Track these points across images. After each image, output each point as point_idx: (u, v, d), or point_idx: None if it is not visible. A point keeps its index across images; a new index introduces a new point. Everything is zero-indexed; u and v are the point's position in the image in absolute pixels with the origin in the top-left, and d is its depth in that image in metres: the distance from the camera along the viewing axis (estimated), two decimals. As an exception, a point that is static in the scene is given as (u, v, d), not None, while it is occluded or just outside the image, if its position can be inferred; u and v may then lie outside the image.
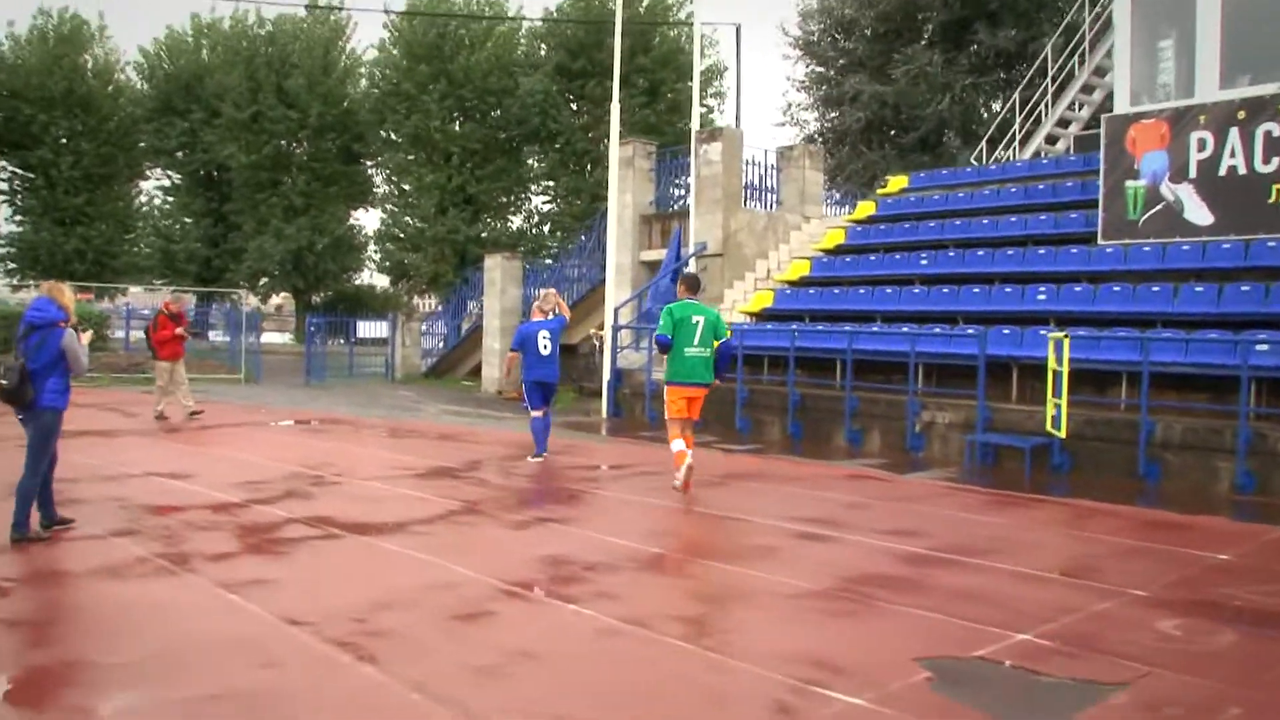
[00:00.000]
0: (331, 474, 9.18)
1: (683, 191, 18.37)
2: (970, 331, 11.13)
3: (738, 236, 16.42)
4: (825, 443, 11.90)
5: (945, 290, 12.80)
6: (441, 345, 24.61)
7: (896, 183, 17.48)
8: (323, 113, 36.45)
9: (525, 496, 8.36)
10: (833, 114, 28.18)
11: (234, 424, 13.68)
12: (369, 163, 39.09)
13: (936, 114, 23.59)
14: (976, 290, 12.42)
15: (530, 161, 35.39)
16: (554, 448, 10.77)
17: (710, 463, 10.04)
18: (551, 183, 33.68)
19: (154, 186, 41.30)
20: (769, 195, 17.74)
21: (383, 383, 24.16)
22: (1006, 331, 11.09)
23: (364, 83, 36.66)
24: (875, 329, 12.55)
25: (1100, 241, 12.16)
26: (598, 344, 14.91)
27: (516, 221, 36.21)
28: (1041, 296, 11.78)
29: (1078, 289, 11.59)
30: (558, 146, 32.26)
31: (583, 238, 20.75)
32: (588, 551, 6.19)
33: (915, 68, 24.56)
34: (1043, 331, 10.84)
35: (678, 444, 8.27)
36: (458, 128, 33.12)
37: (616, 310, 15.35)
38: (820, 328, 13.16)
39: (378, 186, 39.58)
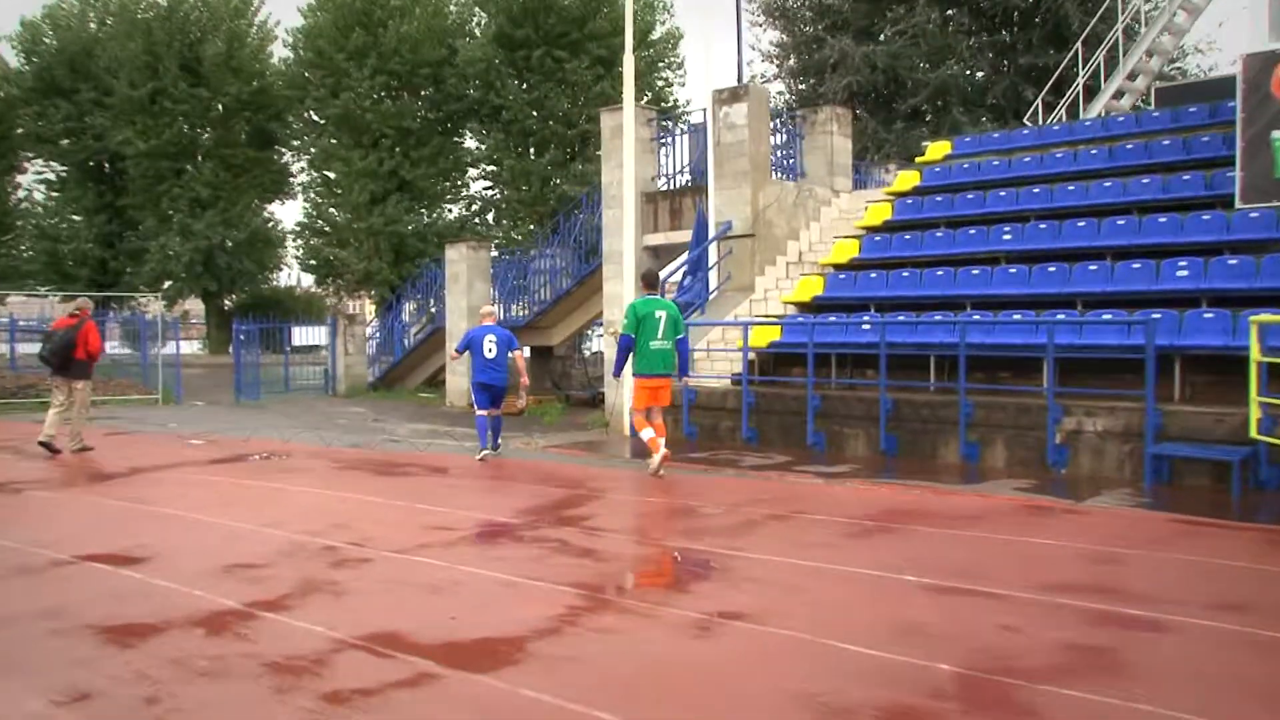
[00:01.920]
0: (347, 542, 6.80)
1: (687, 165, 16.28)
2: (1133, 318, 9.28)
3: (767, 214, 14.67)
4: (930, 459, 10.20)
5: (1052, 269, 11.06)
6: (375, 349, 22.90)
7: (938, 149, 16.07)
8: (235, 91, 33.10)
9: (652, 569, 6.15)
10: (805, 85, 26.43)
11: (174, 464, 11.07)
12: (286, 150, 35.93)
13: (939, 79, 21.81)
14: (1094, 268, 10.64)
15: (470, 143, 32.92)
16: (599, 481, 9.53)
17: (812, 498, 8.27)
18: (494, 166, 31.16)
19: (34, 180, 37.38)
20: (791, 166, 15.83)
21: (325, 398, 21.99)
22: (1158, 315, 9.26)
23: (281, 55, 33.52)
24: (977, 317, 10.70)
25: (1239, 205, 10.47)
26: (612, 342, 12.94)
27: (455, 210, 33.63)
28: (1183, 272, 10.02)
29: (1232, 262, 9.83)
30: (501, 124, 29.78)
31: (561, 222, 18.59)
32: (834, 676, 4.05)
33: (910, 27, 22.91)
34: (1208, 314, 9.05)
35: (648, 432, 9.21)
36: (390, 105, 30.34)
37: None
38: (902, 318, 11.42)
39: (295, 175, 36.45)
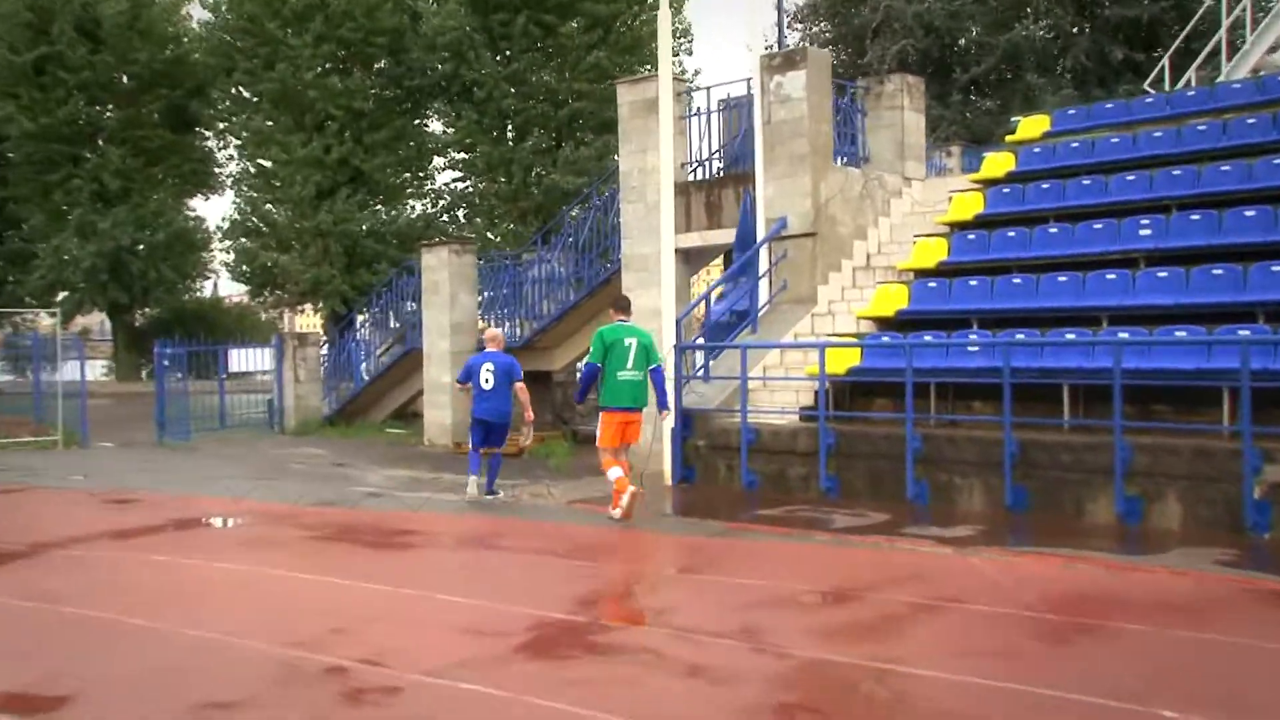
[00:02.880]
0: (358, 658, 5.86)
1: (718, 149, 15.57)
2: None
3: (829, 208, 14.02)
4: (1073, 518, 9.45)
5: (1218, 272, 10.36)
6: (327, 375, 21.98)
7: (1033, 125, 15.48)
8: (145, 59, 32.03)
9: (801, 698, 5.24)
10: (841, 54, 25.80)
11: (91, 534, 10.06)
12: (209, 133, 35.03)
13: (1009, 41, 21.18)
14: (1277, 269, 9.88)
15: (436, 126, 32.12)
16: (654, 552, 9.16)
17: (949, 576, 7.48)
18: (466, 154, 30.33)
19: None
20: (849, 149, 15.25)
21: (270, 436, 21.07)
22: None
23: (201, 17, 32.56)
24: (1125, 335, 9.94)
25: None
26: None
27: (419, 206, 32.85)
28: None
29: None
30: (474, 103, 28.94)
31: (564, 221, 17.89)
32: None
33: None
34: None
35: (615, 471, 9.74)
36: (338, 80, 29.43)
37: (679, 321, 12.69)
38: (1022, 336, 10.80)
39: (222, 164, 35.49)
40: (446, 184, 32.79)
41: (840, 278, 13.95)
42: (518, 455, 15.76)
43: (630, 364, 9.95)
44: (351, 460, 16.55)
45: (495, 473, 11.24)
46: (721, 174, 15.60)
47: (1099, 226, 12.03)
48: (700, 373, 12.79)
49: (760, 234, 13.95)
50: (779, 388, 12.55)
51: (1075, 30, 22.60)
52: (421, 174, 33.07)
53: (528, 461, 15.53)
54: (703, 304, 13.55)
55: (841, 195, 14.19)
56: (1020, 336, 10.73)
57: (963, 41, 23.72)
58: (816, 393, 11.70)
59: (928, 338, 11.52)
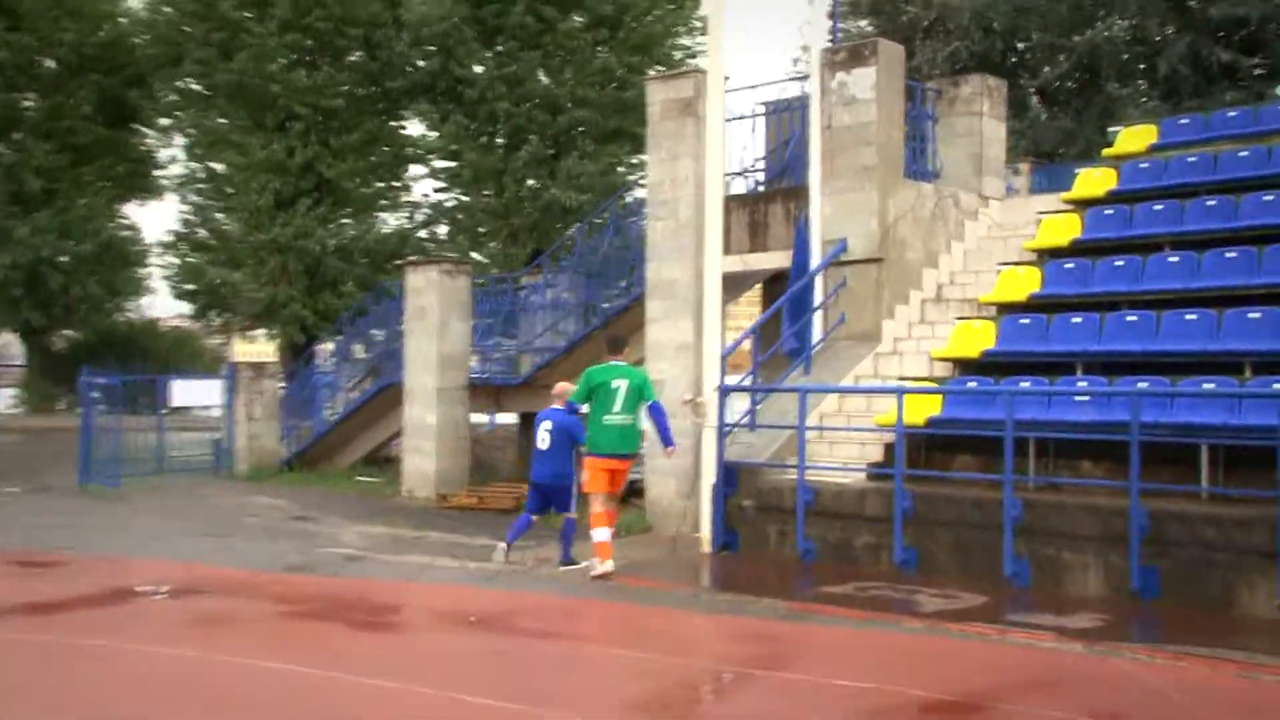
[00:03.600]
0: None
1: (761, 157, 15.29)
2: None
3: (898, 230, 13.74)
4: (1223, 608, 8.90)
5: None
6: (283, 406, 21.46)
7: (1136, 137, 15.17)
8: (73, 40, 31.41)
9: None
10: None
11: None
12: (151, 130, 34.52)
13: (1087, 42, 20.87)
14: None
15: (416, 129, 31.70)
16: (717, 636, 8.78)
17: (1095, 685, 6.95)
18: (451, 162, 29.88)
19: None
20: (917, 163, 14.96)
21: (217, 481, 20.43)
22: None
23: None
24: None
25: None
26: (697, 418, 12.12)
27: (393, 220, 32.58)
28: None
29: None
30: (463, 105, 28.52)
31: (579, 241, 17.49)
32: None
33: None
34: None
35: (602, 533, 10.27)
36: (306, 74, 28.96)
37: (724, 357, 12.28)
38: (1145, 384, 10.30)
39: (164, 165, 34.92)
40: (426, 196, 32.24)
41: (907, 311, 13.68)
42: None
43: (618, 407, 10.32)
44: (318, 513, 16.05)
45: (570, 539, 11.09)
46: (765, 188, 15.34)
47: (1232, 255, 11.64)
48: (746, 419, 12.37)
49: (815, 258, 13.64)
50: (839, 439, 12.23)
51: (1166, 31, 22.19)
52: (397, 184, 32.51)
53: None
54: (749, 339, 13.03)
55: (912, 215, 13.87)
56: (1143, 385, 10.26)
57: (1023, 44, 23.36)
58: (888, 446, 11.44)
59: (1025, 384, 11.05)
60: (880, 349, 13.17)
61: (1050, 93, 23.13)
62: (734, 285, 15.50)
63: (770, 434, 12.12)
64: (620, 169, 29.09)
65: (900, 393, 10.88)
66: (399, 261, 29.31)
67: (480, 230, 29.73)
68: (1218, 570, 8.96)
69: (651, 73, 22.81)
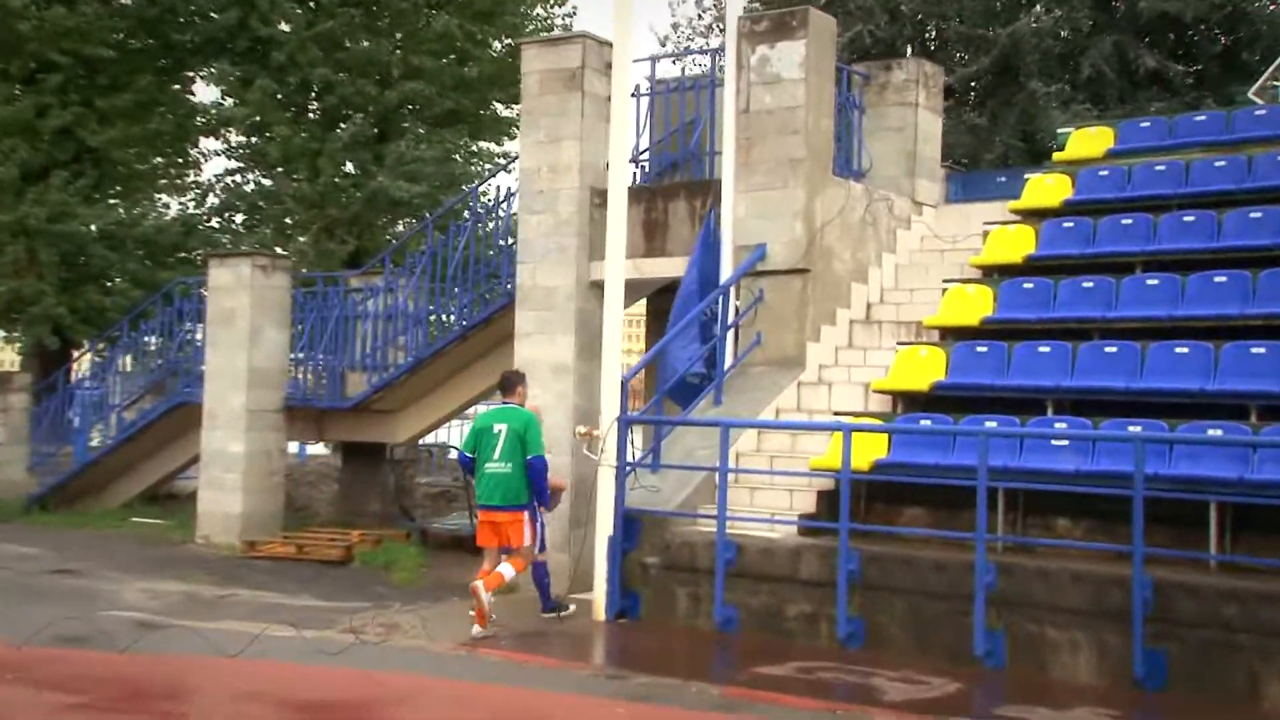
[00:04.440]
0: None
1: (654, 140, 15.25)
2: None
3: (825, 236, 13.49)
4: (1248, 701, 8.68)
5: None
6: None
7: (1091, 141, 15.19)
8: None
9: None
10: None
11: None
12: None
13: (1011, 37, 21.13)
14: None
15: (208, 94, 30.32)
16: None
17: None
18: (253, 137, 28.66)
19: None
20: (843, 159, 14.83)
21: None
22: None
23: None
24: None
25: None
26: (588, 452, 11.72)
27: (176, 204, 31.09)
28: None
29: None
30: (270, 69, 27.21)
31: (430, 238, 17.27)
32: None
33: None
34: None
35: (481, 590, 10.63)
36: (64, 12, 27.01)
37: (625, 381, 11.74)
38: (1140, 429, 10.07)
39: None
40: (219, 177, 30.61)
41: (834, 333, 13.49)
42: (344, 562, 15.53)
43: (496, 454, 10.84)
44: (87, 565, 15.08)
45: (544, 588, 11.60)
46: (655, 181, 14.98)
47: (1222, 280, 11.62)
48: (648, 457, 11.97)
49: (726, 266, 13.31)
50: (761, 485, 11.82)
51: (1092, 26, 22.67)
52: (182, 159, 30.76)
53: (359, 572, 15.17)
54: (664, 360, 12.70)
55: (841, 220, 13.64)
56: (1135, 429, 10.04)
57: (935, 33, 23.49)
58: (822, 495, 11.38)
59: (992, 424, 10.80)
60: (804, 377, 12.91)
61: (963, 90, 23.21)
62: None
63: (678, 477, 11.75)
64: (459, 156, 28.49)
65: (847, 430, 10.45)
66: (187, 254, 28.15)
67: (288, 221, 28.43)
68: (1240, 656, 8.71)
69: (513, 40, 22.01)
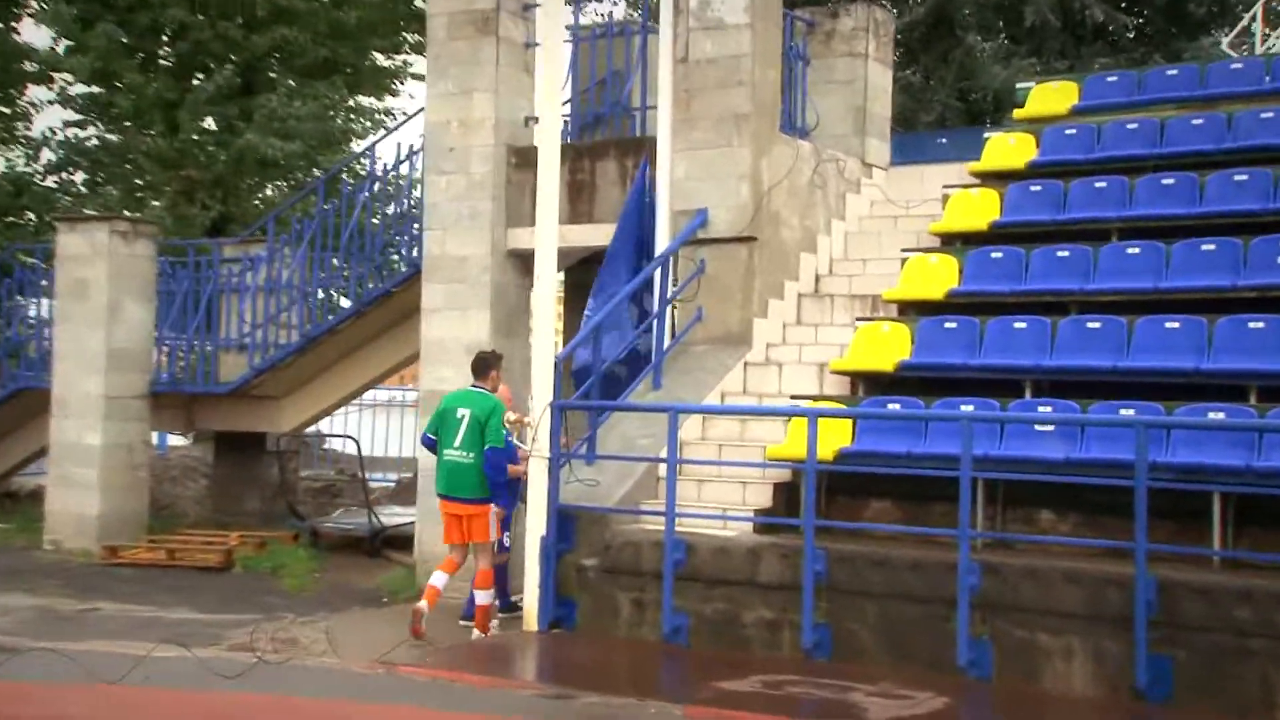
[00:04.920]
0: None
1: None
2: None
3: (773, 200, 13.41)
4: (1259, 715, 8.64)
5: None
6: None
7: (1053, 96, 15.32)
8: None
9: None
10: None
11: None
12: None
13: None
14: None
15: (39, 36, 29.35)
16: None
17: None
18: (96, 86, 27.93)
19: None
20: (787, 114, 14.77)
21: None
22: None
23: None
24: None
25: None
26: (518, 441, 11.68)
27: (3, 159, 29.98)
28: None
29: None
30: (115, 9, 26.48)
31: (321, 199, 17.10)
32: None
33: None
34: None
35: (438, 577, 11.08)
36: None
37: (559, 363, 11.79)
38: (1130, 412, 10.12)
39: None
40: (55, 131, 29.62)
41: (782, 308, 13.49)
42: (224, 569, 15.25)
43: (458, 441, 10.95)
44: None
45: (504, 595, 11.83)
46: (579, 139, 14.86)
47: (1210, 248, 11.70)
48: (583, 448, 11.84)
49: (663, 234, 13.19)
50: (710, 477, 11.69)
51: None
52: (9, 110, 29.71)
53: (241, 579, 14.86)
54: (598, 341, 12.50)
55: (789, 182, 13.57)
56: (1128, 412, 10.07)
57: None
58: (779, 487, 11.38)
59: (968, 408, 10.73)
60: (751, 357, 12.88)
61: (896, 45, 23.34)
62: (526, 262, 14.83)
63: (617, 469, 11.61)
64: (337, 112, 28.19)
65: (812, 416, 10.33)
66: (17, 218, 27.23)
67: (139, 182, 27.89)
68: (1253, 662, 8.67)
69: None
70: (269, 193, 28.23)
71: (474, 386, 11.17)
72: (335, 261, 16.56)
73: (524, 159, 14.14)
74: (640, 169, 13.34)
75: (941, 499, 10.47)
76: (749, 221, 12.99)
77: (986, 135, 14.92)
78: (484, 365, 11.27)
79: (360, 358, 16.78)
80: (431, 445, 11.18)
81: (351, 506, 19.58)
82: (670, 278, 13.02)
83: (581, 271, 15.30)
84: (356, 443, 18.98)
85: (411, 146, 15.47)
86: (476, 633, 10.98)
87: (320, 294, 17.05)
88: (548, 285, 11.35)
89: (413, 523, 14.71)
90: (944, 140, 19.29)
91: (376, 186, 16.33)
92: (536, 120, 14.35)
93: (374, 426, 23.80)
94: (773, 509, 11.13)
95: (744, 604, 10.41)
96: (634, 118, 14.38)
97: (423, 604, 10.72)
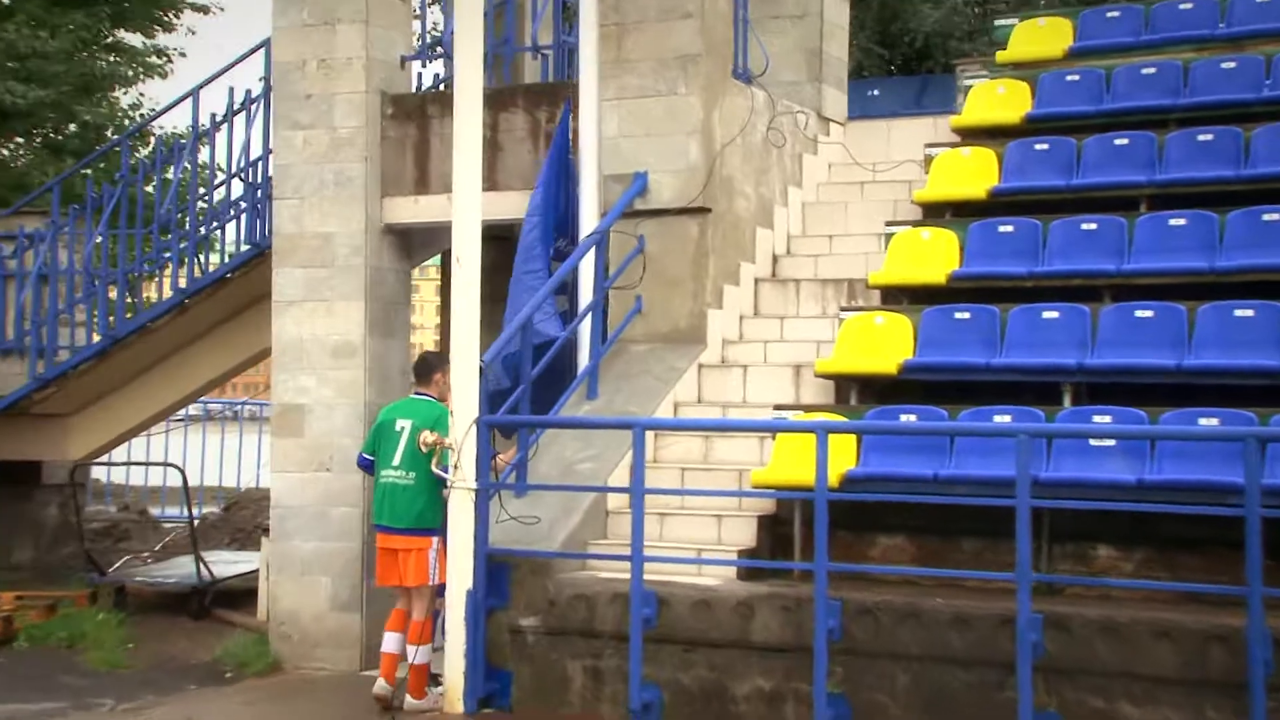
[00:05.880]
0: None
1: None
2: None
3: (726, 161, 13.28)
4: None
5: None
6: None
7: (1041, 36, 15.49)
8: None
9: None
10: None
11: None
12: None
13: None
14: None
15: None
16: None
17: None
18: None
19: None
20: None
21: None
22: None
23: None
24: None
25: None
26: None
27: None
28: None
29: None
30: None
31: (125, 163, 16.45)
32: None
33: None
34: None
35: (389, 640, 11.21)
36: None
37: (487, 366, 11.44)
38: (1216, 422, 10.05)
39: None
40: None
41: (738, 297, 13.33)
42: (3, 642, 14.59)
43: (396, 460, 10.99)
44: None
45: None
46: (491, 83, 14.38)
47: (1273, 218, 11.71)
48: (512, 476, 11.53)
49: (590, 205, 12.97)
50: (673, 509, 11.47)
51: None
52: None
53: (28, 656, 14.20)
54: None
55: (743, 141, 13.47)
56: (1211, 421, 9.99)
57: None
58: (764, 521, 11.22)
59: (1002, 418, 10.68)
60: (705, 358, 12.75)
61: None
62: (420, 245, 14.86)
63: (557, 502, 11.24)
64: (98, 54, 27.45)
65: (821, 431, 9.92)
66: None
67: None
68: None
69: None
70: (4, 152, 27.69)
71: (417, 394, 11.31)
72: (146, 240, 16.05)
73: (404, 110, 14.02)
74: (560, 125, 13.17)
75: (969, 534, 10.43)
76: (700, 189, 12.85)
77: (967, 83, 15.19)
78: (427, 368, 11.43)
79: (181, 363, 16.38)
80: (369, 466, 11.32)
81: (143, 554, 18.97)
82: (592, 262, 12.82)
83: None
84: (181, 471, 18.12)
85: (249, 92, 15.00)
86: (410, 700, 10.92)
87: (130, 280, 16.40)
88: (470, 268, 10.93)
89: (255, 572, 14.40)
90: (875, 92, 19.18)
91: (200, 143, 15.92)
92: (417, 58, 14.70)
93: (185, 448, 23.29)
94: (756, 549, 10.89)
95: (734, 672, 10.14)
96: (543, 59, 14.32)
97: (380, 684, 10.78)
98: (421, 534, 10.90)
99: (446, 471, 10.89)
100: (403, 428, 11.00)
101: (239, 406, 25.65)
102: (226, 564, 16.61)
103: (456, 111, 11.04)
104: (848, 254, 13.52)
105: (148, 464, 20.25)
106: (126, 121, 26.37)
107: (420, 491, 10.90)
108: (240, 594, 15.15)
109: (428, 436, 11.07)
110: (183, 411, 20.70)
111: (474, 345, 10.92)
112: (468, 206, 10.89)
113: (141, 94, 26.24)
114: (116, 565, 17.77)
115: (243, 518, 20.96)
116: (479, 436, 10.69)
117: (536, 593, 10.76)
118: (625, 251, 12.84)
